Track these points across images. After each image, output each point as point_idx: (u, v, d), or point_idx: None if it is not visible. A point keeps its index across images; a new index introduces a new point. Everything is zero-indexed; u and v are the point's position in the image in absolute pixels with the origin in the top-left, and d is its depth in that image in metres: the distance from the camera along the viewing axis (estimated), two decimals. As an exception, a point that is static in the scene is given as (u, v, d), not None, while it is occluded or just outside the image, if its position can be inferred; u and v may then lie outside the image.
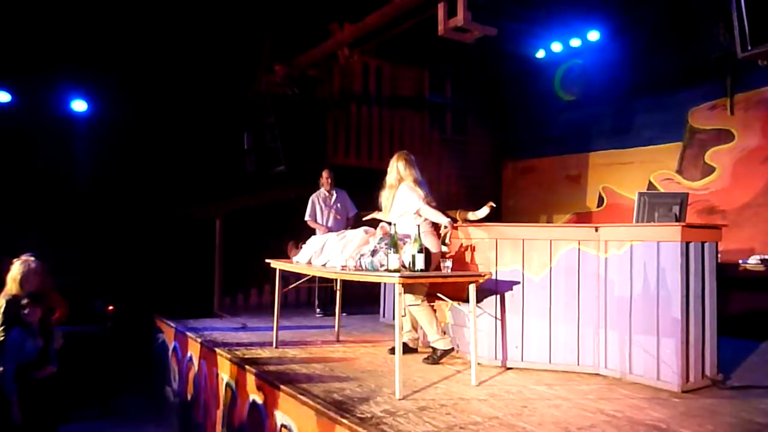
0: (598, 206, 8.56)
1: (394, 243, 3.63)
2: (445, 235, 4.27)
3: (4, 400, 3.68)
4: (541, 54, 8.75)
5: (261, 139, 7.91)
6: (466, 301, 3.85)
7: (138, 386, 7.16)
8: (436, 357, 4.27)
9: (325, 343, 5.17)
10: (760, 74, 6.43)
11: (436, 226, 4.34)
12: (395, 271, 3.57)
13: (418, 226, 3.89)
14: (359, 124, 8.53)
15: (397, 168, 4.40)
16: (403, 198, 4.32)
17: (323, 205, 6.58)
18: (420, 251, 3.65)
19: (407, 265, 3.66)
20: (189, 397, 5.69)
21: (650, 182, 7.80)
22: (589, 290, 4.01)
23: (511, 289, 4.17)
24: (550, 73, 9.19)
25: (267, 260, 4.99)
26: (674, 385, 3.58)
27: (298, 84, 7.78)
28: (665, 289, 3.64)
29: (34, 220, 7.02)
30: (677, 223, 3.78)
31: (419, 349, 4.66)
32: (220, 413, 4.88)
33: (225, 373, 4.73)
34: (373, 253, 3.88)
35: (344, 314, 5.89)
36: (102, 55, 7.21)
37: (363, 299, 6.72)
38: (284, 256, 5.02)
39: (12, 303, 3.84)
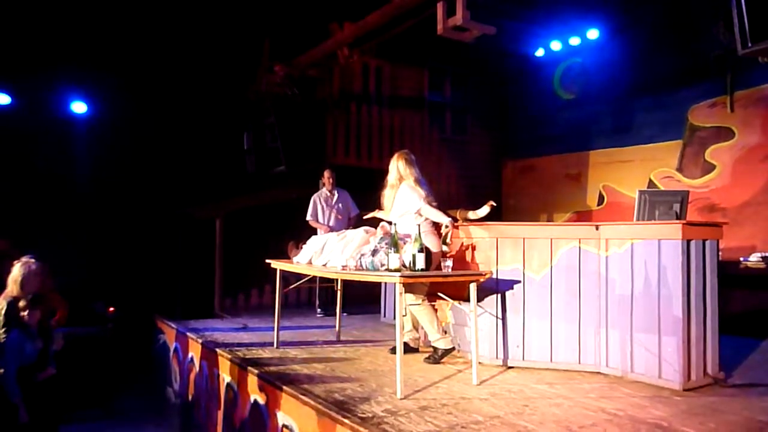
0: (598, 205, 8.56)
1: (394, 242, 3.63)
2: (446, 234, 4.26)
3: (7, 403, 3.68)
4: (540, 53, 8.75)
5: (261, 139, 7.91)
6: (467, 300, 3.84)
7: (139, 387, 7.16)
8: (437, 356, 4.27)
9: (326, 343, 5.17)
10: (760, 72, 6.43)
11: (436, 226, 4.34)
12: (396, 270, 3.57)
13: (419, 225, 3.89)
14: (359, 124, 8.52)
15: (397, 167, 4.40)
16: (404, 197, 4.32)
17: (325, 205, 6.58)
18: (420, 251, 3.64)
19: (408, 265, 3.66)
20: (190, 397, 5.69)
21: (650, 180, 7.80)
22: (590, 289, 4.01)
23: (512, 288, 4.16)
24: (550, 71, 9.19)
25: (267, 260, 4.99)
26: (676, 383, 3.57)
27: (298, 84, 7.78)
28: (666, 287, 3.63)
29: (35, 221, 7.02)
30: (678, 221, 3.77)
31: (420, 349, 4.66)
32: (221, 414, 4.88)
33: (226, 373, 4.73)
34: (374, 252, 3.87)
35: (345, 314, 5.89)
36: (102, 55, 7.21)
37: (364, 299, 6.71)
38: (285, 256, 5.02)
39: (13, 304, 3.84)
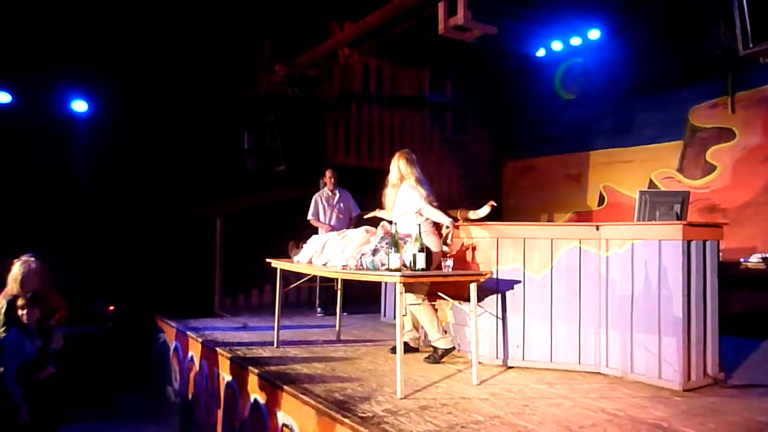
0: (598, 205, 8.56)
1: (395, 242, 3.63)
2: (447, 235, 4.26)
3: (8, 402, 3.68)
4: (541, 53, 8.75)
5: (261, 138, 7.92)
6: (467, 300, 3.84)
7: (139, 386, 7.16)
8: (437, 356, 4.27)
9: (326, 343, 5.17)
10: (761, 72, 6.42)
11: (437, 226, 4.34)
12: (396, 270, 3.56)
13: (419, 225, 3.89)
14: (359, 124, 8.52)
15: (398, 167, 4.40)
16: (405, 197, 4.32)
17: (326, 205, 6.59)
18: (421, 250, 3.64)
19: (408, 265, 3.66)
20: (190, 397, 5.69)
21: (651, 181, 7.79)
22: (591, 289, 4.01)
23: (512, 288, 4.16)
24: (551, 72, 9.19)
25: (268, 260, 4.99)
26: (676, 383, 3.57)
27: (298, 84, 7.78)
28: (666, 287, 3.63)
29: (35, 220, 7.02)
30: (678, 222, 3.77)
31: (420, 349, 4.66)
32: (221, 413, 4.88)
33: (226, 372, 4.73)
34: (374, 252, 3.87)
35: (345, 314, 5.88)
36: (102, 55, 7.22)
37: (364, 299, 6.71)
38: (285, 255, 5.01)
39: (12, 303, 3.84)
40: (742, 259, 6.01)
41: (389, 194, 4.50)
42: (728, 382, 3.77)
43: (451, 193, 8.92)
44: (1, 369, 3.69)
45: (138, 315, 7.24)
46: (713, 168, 7.19)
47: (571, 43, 8.25)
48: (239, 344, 5.05)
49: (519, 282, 4.14)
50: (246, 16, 7.63)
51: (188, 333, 5.73)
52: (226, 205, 7.57)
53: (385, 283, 5.81)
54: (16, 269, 3.97)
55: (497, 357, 4.20)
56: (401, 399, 3.37)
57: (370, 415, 3.10)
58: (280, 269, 4.90)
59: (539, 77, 9.33)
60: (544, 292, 4.10)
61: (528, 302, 4.13)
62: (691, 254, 3.63)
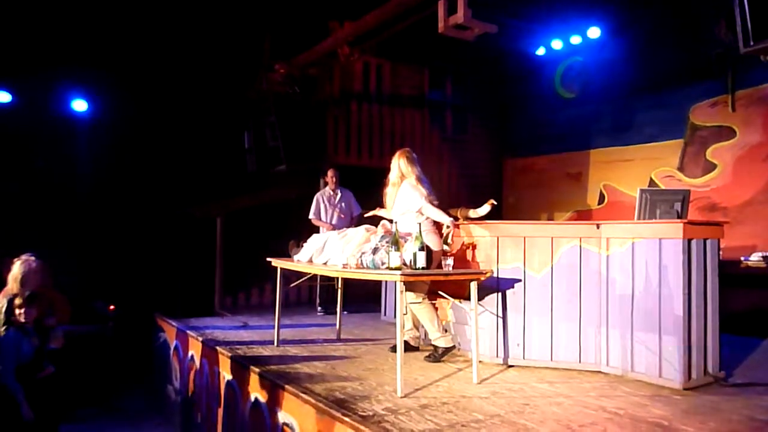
0: (599, 204, 8.55)
1: (395, 241, 3.63)
2: (447, 235, 4.26)
3: (10, 401, 3.68)
4: (541, 51, 8.74)
5: (261, 138, 7.91)
6: (468, 299, 3.84)
7: (139, 385, 7.17)
8: (437, 355, 4.27)
9: (327, 342, 5.17)
10: (762, 71, 6.41)
11: (437, 225, 4.34)
12: (397, 269, 3.56)
13: (420, 224, 3.89)
14: (360, 123, 8.51)
15: (399, 165, 4.41)
16: (406, 196, 4.32)
17: (327, 204, 6.60)
18: (421, 249, 3.64)
19: (408, 263, 3.66)
20: (190, 395, 5.69)
21: (651, 179, 7.79)
22: (591, 288, 4.00)
23: (513, 287, 4.16)
24: (551, 70, 9.18)
25: (268, 259, 4.99)
26: (676, 382, 3.57)
27: (298, 83, 7.78)
28: (667, 286, 3.63)
29: (35, 219, 7.02)
30: (679, 220, 3.77)
31: (421, 347, 4.66)
32: (221, 412, 4.89)
33: (226, 371, 4.73)
34: (375, 251, 3.87)
35: (345, 313, 5.88)
36: (102, 54, 7.21)
37: (364, 298, 6.72)
38: (285, 255, 5.01)
39: (12, 302, 3.84)
40: (742, 258, 6.01)
41: (390, 193, 4.50)
42: (729, 380, 3.78)
43: (451, 192, 8.91)
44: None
45: (138, 314, 7.24)
46: (713, 166, 7.19)
47: (571, 42, 8.24)
48: (240, 343, 5.06)
49: (519, 281, 4.14)
50: (246, 15, 7.62)
51: (188, 332, 5.73)
52: (226, 205, 7.57)
53: (386, 281, 5.81)
54: (17, 268, 3.97)
55: (498, 356, 4.20)
56: (401, 398, 3.37)
57: (371, 413, 3.10)
58: (281, 268, 4.90)
59: (539, 76, 9.32)
60: (544, 291, 4.10)
61: (528, 301, 4.13)
62: (692, 253, 3.62)
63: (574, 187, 8.90)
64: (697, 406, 3.26)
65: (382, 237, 3.98)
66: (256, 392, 4.14)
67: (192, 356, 5.63)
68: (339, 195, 6.64)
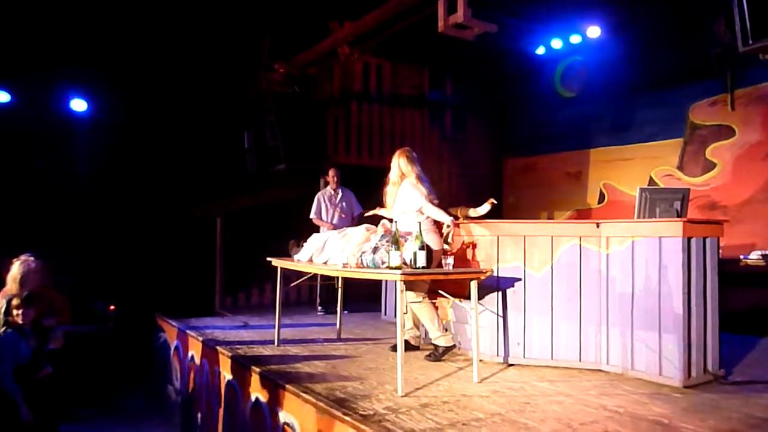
0: (599, 203, 8.56)
1: (395, 240, 3.63)
2: (447, 234, 4.27)
3: (9, 402, 3.68)
4: (541, 51, 8.74)
5: (261, 137, 7.91)
6: (468, 298, 3.84)
7: (140, 385, 7.17)
8: (437, 354, 4.27)
9: (327, 341, 5.18)
10: (761, 70, 6.42)
11: (438, 224, 4.34)
12: (397, 268, 3.57)
13: (420, 223, 3.89)
14: (359, 123, 8.52)
15: (399, 165, 4.41)
16: (406, 195, 4.32)
17: (328, 204, 6.60)
18: (421, 248, 3.64)
19: (409, 263, 3.66)
20: (191, 395, 5.69)
21: (651, 178, 7.80)
22: (591, 286, 4.01)
23: (513, 286, 4.17)
24: (551, 70, 9.18)
25: (268, 258, 4.99)
26: (676, 380, 3.58)
27: (298, 82, 7.78)
28: (667, 284, 3.63)
29: (35, 219, 7.02)
30: (679, 219, 3.77)
31: (421, 347, 4.66)
32: (222, 412, 4.89)
33: (227, 371, 4.73)
34: (375, 250, 3.87)
35: (346, 312, 5.89)
36: (101, 53, 7.21)
37: (364, 297, 6.72)
38: (285, 254, 5.02)
39: (11, 303, 3.84)
40: (741, 256, 6.02)
41: (390, 192, 4.51)
42: (728, 378, 3.78)
43: (451, 192, 8.92)
44: None
45: (138, 314, 7.25)
46: (713, 165, 7.19)
47: (571, 41, 8.23)
48: (240, 343, 5.06)
49: (519, 280, 4.15)
50: (246, 15, 7.62)
51: (189, 332, 5.74)
52: (226, 205, 7.57)
53: (386, 281, 5.81)
54: (16, 269, 3.97)
55: (498, 355, 4.20)
56: (402, 397, 3.38)
57: (371, 413, 3.10)
58: (281, 268, 4.90)
59: (539, 75, 9.32)
60: (544, 290, 4.10)
61: (528, 300, 4.14)
62: (692, 251, 3.63)
63: (574, 186, 8.91)
64: (696, 404, 3.26)
65: (382, 236, 3.99)
66: (257, 392, 4.15)
67: (192, 356, 5.63)
68: (340, 195, 6.65)
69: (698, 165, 7.34)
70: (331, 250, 4.37)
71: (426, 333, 4.54)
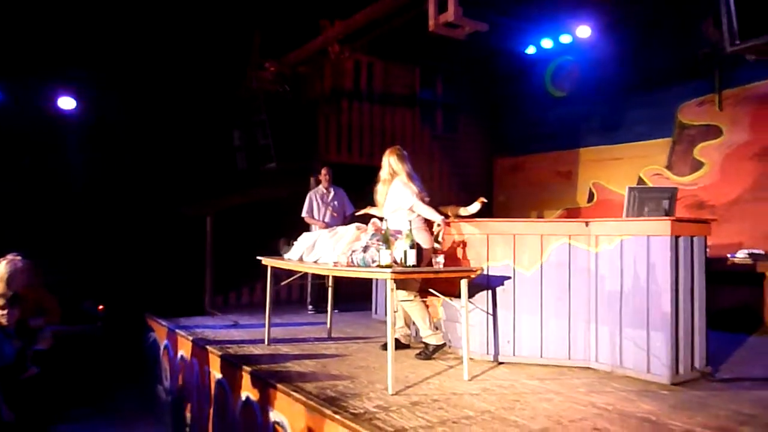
0: (588, 202, 8.61)
1: (386, 239, 3.64)
2: (438, 233, 4.27)
3: None
4: (531, 50, 8.77)
5: (252, 136, 7.88)
6: (458, 296, 3.85)
7: (130, 385, 7.11)
8: (428, 352, 4.28)
9: (318, 340, 5.17)
10: (748, 70, 6.49)
11: (428, 222, 4.35)
12: (387, 266, 3.57)
13: (410, 221, 3.89)
14: (350, 121, 8.51)
15: (389, 163, 4.41)
16: (397, 193, 4.32)
17: (320, 202, 6.60)
18: (412, 247, 3.65)
19: (399, 261, 3.67)
20: (181, 395, 5.66)
21: (640, 177, 7.85)
22: (580, 285, 4.03)
23: (503, 285, 4.18)
24: (541, 69, 9.22)
25: (258, 257, 4.98)
26: (664, 377, 3.61)
27: (288, 81, 7.76)
28: (655, 282, 3.67)
29: (23, 218, 6.95)
30: (667, 218, 3.80)
31: (411, 345, 4.67)
32: (212, 411, 4.87)
33: (217, 371, 4.72)
34: (365, 249, 3.87)
35: (336, 311, 5.89)
36: (90, 52, 7.15)
37: (355, 296, 6.71)
38: (276, 253, 5.00)
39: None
40: (729, 255, 6.08)
41: (380, 190, 4.51)
42: (715, 376, 3.82)
43: (442, 191, 8.93)
44: None
45: (128, 314, 7.19)
46: (701, 165, 7.26)
47: (561, 41, 8.26)
48: (230, 342, 5.04)
49: (509, 278, 4.17)
50: (235, 13, 7.59)
51: (179, 331, 5.71)
52: (217, 203, 7.53)
53: (377, 280, 5.81)
54: (2, 268, 3.91)
55: (488, 353, 4.22)
56: (392, 395, 3.38)
57: (362, 411, 3.11)
58: (271, 267, 4.89)
59: (530, 75, 9.36)
60: (534, 288, 4.12)
61: (518, 298, 4.16)
62: (679, 250, 3.67)
63: (564, 185, 8.95)
64: (684, 401, 3.29)
65: (373, 235, 3.99)
66: (247, 391, 4.13)
67: (182, 356, 5.61)
68: (332, 193, 6.65)
69: (686, 164, 7.40)
70: (322, 248, 4.36)
71: (417, 331, 4.55)
